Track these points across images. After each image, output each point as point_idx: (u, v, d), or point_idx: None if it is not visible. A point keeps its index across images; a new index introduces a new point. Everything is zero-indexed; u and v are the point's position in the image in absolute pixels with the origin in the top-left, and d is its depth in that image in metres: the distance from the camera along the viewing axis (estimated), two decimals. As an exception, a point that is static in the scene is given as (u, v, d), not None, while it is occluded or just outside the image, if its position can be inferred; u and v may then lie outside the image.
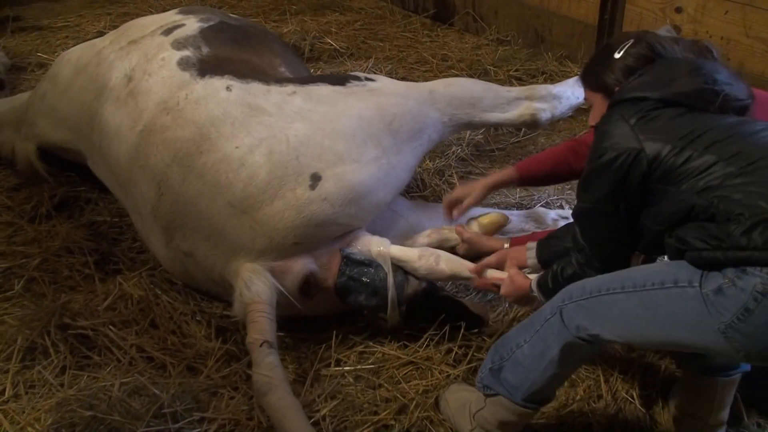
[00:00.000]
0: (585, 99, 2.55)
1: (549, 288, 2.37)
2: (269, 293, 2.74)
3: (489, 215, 3.17)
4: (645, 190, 2.08)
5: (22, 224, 3.64)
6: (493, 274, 2.77)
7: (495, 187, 3.04)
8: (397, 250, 2.91)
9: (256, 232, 2.78)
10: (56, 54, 5.27)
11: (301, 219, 2.76)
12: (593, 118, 2.41)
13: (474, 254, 3.02)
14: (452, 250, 3.11)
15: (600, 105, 2.37)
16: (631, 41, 2.33)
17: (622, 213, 2.13)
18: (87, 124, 3.45)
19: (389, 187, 3.00)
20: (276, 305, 2.75)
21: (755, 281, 1.84)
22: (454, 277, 2.90)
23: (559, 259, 2.38)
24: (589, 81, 2.45)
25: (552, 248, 2.58)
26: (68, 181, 3.94)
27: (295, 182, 2.77)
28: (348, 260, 2.88)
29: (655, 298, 2.01)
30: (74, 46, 4.06)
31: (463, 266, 2.87)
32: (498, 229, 3.18)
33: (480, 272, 2.80)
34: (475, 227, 3.15)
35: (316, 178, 2.79)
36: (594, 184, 2.15)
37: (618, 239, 2.20)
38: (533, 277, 2.51)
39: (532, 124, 3.53)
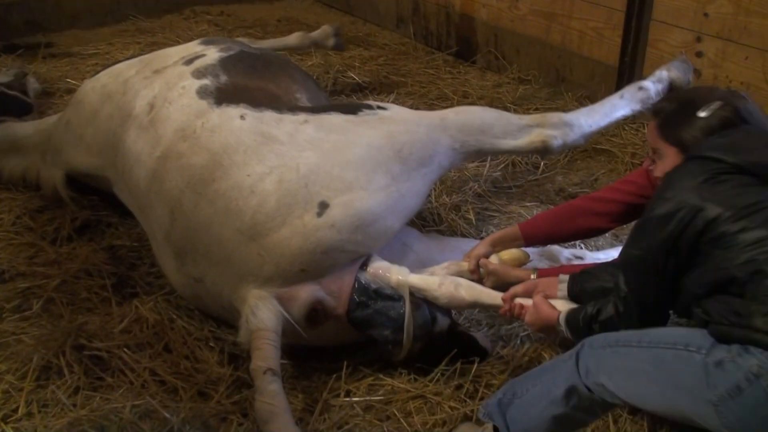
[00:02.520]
0: (651, 150, 2.55)
1: (579, 327, 2.35)
2: (275, 320, 2.76)
3: (510, 251, 3.17)
4: (695, 250, 2.07)
5: (43, 246, 3.70)
6: (520, 302, 2.75)
7: (497, 243, 3.07)
8: (418, 279, 2.91)
9: (264, 259, 2.80)
10: (84, 81, 5.37)
11: (307, 245, 2.78)
12: (661, 170, 2.41)
13: (500, 285, 3.00)
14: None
15: (672, 159, 2.37)
16: (719, 103, 2.31)
17: (671, 268, 2.12)
18: (112, 150, 3.53)
19: (398, 214, 3.01)
20: (282, 333, 2.77)
21: (753, 362, 1.84)
22: (474, 305, 2.90)
23: (596, 301, 2.34)
24: (666, 133, 2.42)
25: (585, 284, 2.56)
26: (90, 204, 4.01)
27: (303, 209, 2.80)
28: (363, 288, 2.88)
29: (664, 357, 2.01)
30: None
31: (484, 293, 2.87)
32: (518, 265, 3.19)
33: (508, 301, 2.78)
34: (494, 261, 3.16)
35: (323, 206, 2.81)
36: (649, 233, 2.14)
37: (661, 295, 2.18)
38: (563, 309, 2.49)
39: (543, 150, 3.47)
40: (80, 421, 2.60)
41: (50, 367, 2.91)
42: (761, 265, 1.92)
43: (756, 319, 1.86)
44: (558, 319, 2.47)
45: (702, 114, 2.31)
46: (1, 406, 2.77)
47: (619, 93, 3.66)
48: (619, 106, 3.60)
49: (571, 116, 3.55)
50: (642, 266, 2.18)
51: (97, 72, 4.07)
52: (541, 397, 2.23)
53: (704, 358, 1.92)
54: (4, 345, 3.05)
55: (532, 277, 2.89)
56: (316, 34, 5.35)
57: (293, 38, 5.37)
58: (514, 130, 3.40)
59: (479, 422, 2.53)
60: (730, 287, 1.98)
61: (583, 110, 3.66)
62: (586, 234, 3.07)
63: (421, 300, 2.89)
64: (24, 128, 4.34)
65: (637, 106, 3.57)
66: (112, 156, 3.54)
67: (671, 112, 2.46)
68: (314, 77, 5.14)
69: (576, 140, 3.53)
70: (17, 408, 2.76)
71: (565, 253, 3.51)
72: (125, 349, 3.01)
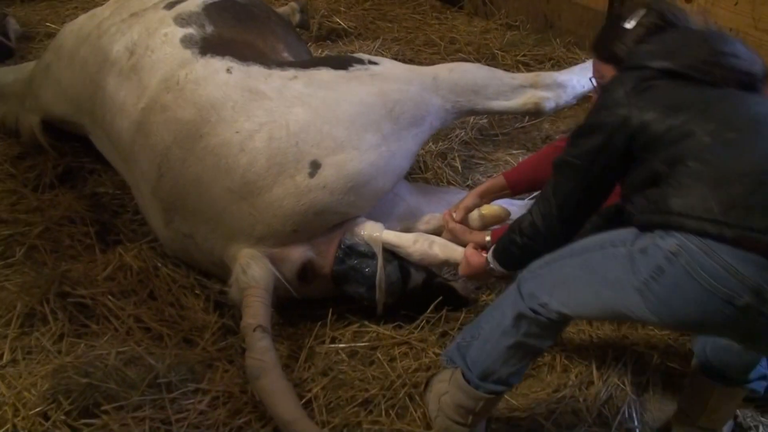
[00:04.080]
0: (594, 76, 2.53)
1: (504, 250, 2.43)
2: (266, 278, 2.75)
3: (491, 207, 3.16)
4: (627, 156, 2.12)
5: (25, 193, 3.66)
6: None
7: (484, 195, 3.07)
8: (392, 236, 2.91)
9: (255, 219, 2.79)
10: (64, 24, 5.26)
11: (300, 207, 2.77)
12: None
13: (457, 244, 3.00)
14: None
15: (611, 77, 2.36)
16: (643, 11, 2.32)
17: (597, 171, 2.17)
18: (89, 98, 3.45)
19: (389, 175, 2.99)
20: (272, 289, 2.76)
21: (671, 242, 1.87)
22: (447, 263, 2.92)
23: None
24: (600, 52, 2.44)
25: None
26: (72, 151, 3.94)
27: (295, 169, 2.77)
28: (347, 249, 2.88)
29: (593, 258, 2.06)
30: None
31: (457, 251, 2.87)
32: (497, 221, 3.16)
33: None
34: (475, 216, 3.14)
35: (315, 166, 2.78)
36: (581, 141, 2.19)
37: (584, 197, 2.23)
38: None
39: (536, 112, 3.51)
40: (65, 368, 2.60)
41: (34, 314, 2.90)
42: (681, 156, 1.96)
43: (671, 202, 1.90)
44: (487, 258, 2.53)
45: (628, 25, 2.33)
46: (-15, 353, 2.77)
47: None
48: None
49: (563, 76, 3.56)
50: (570, 170, 2.22)
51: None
52: (492, 331, 2.25)
53: (629, 248, 1.97)
54: (-13, 293, 3.04)
55: (487, 239, 2.87)
56: (282, 9, 5.25)
57: None
58: (507, 90, 3.40)
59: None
60: (656, 182, 2.01)
61: (575, 69, 3.67)
62: None
63: (393, 256, 2.90)
64: (3, 74, 4.25)
65: None
66: (89, 103, 3.46)
67: (601, 31, 2.49)
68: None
69: (568, 101, 3.57)
70: (2, 355, 2.75)
71: None
72: (109, 296, 2.99)
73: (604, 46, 2.41)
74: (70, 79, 3.60)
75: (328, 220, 2.87)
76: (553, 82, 3.50)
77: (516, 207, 3.39)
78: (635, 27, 2.31)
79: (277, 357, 2.57)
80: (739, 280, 1.80)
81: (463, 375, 2.32)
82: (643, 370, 2.78)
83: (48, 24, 5.57)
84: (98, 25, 3.57)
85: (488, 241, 2.81)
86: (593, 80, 2.55)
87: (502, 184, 3.06)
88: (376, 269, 2.85)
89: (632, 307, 1.96)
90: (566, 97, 3.53)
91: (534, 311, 2.14)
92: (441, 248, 2.89)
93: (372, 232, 2.91)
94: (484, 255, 2.60)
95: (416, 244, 2.89)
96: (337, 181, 2.79)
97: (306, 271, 2.86)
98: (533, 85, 3.46)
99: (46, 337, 2.80)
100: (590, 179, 2.20)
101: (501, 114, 3.90)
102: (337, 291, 2.97)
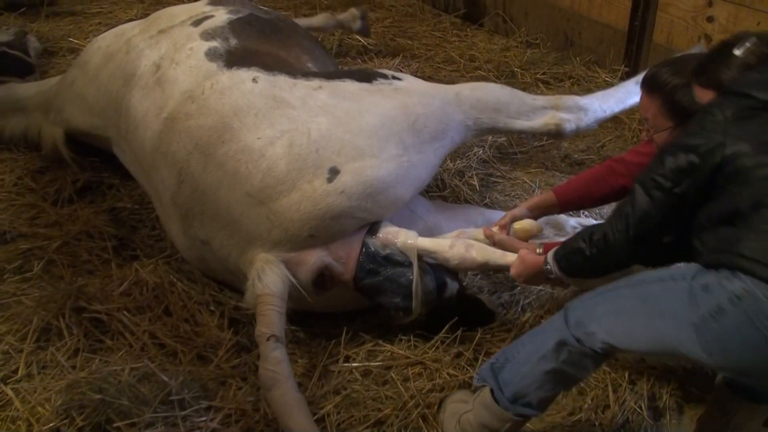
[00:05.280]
0: (648, 109, 2.56)
1: (568, 255, 2.37)
2: (281, 285, 2.74)
3: (522, 222, 3.15)
4: (711, 183, 2.07)
5: (44, 207, 3.70)
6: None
7: (534, 209, 3.07)
8: (428, 242, 2.89)
9: (272, 223, 2.79)
10: (88, 40, 5.33)
11: (317, 211, 2.77)
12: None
13: None
14: None
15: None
16: (755, 39, 2.27)
17: (680, 193, 2.11)
18: (114, 111, 3.50)
19: (408, 184, 2.99)
20: (288, 298, 2.75)
21: (738, 285, 1.84)
22: (486, 266, 2.88)
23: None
24: (702, 78, 2.37)
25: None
26: (92, 166, 3.99)
27: (313, 175, 2.78)
28: (372, 255, 2.86)
29: (649, 291, 2.04)
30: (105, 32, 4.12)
31: (495, 254, 2.85)
32: (529, 236, 3.16)
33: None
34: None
35: (334, 172, 2.79)
36: (668, 159, 2.14)
37: (662, 220, 2.17)
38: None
39: (556, 134, 3.50)
40: (79, 383, 2.60)
41: (50, 328, 2.92)
42: (765, 198, 1.92)
43: (744, 245, 1.87)
44: (546, 258, 2.48)
45: (738, 52, 2.26)
46: (0, 367, 2.78)
47: (635, 79, 3.67)
48: (634, 92, 3.59)
49: (585, 100, 3.56)
50: (652, 187, 2.16)
51: (103, 32, 4.03)
52: (531, 355, 2.24)
53: (690, 282, 1.94)
54: (4, 306, 3.06)
55: (538, 251, 2.84)
56: (342, 16, 5.31)
57: (319, 19, 5.30)
58: (529, 110, 3.41)
59: (476, 390, 2.53)
60: (734, 220, 1.97)
61: (598, 94, 3.68)
62: (617, 195, 3.07)
63: (429, 266, 2.88)
64: (26, 88, 4.32)
65: None
66: (114, 116, 3.51)
67: (705, 57, 2.41)
68: (319, 39, 5.08)
69: (589, 125, 3.57)
70: (17, 369, 2.77)
71: (572, 222, 3.49)
72: (125, 312, 3.00)
73: (709, 72, 2.34)
74: (96, 94, 3.67)
75: (345, 226, 2.86)
76: (574, 105, 3.50)
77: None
78: (745, 55, 2.25)
79: (290, 368, 2.56)
80: None
81: (493, 395, 2.31)
82: (660, 395, 2.74)
83: (71, 39, 5.66)
84: (127, 41, 3.63)
85: (539, 253, 2.79)
86: (645, 120, 2.57)
87: (552, 200, 3.06)
88: (412, 278, 2.83)
89: (684, 341, 1.93)
90: (587, 120, 3.53)
91: (578, 340, 2.12)
92: (479, 251, 2.86)
93: (406, 239, 2.89)
94: (541, 256, 2.54)
95: (453, 248, 2.87)
96: (355, 187, 2.79)
97: (323, 277, 2.84)
98: (555, 107, 3.46)
99: (61, 352, 2.82)
100: (672, 201, 2.13)
101: (521, 133, 3.89)
102: (357, 302, 2.95)
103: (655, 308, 2.00)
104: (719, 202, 2.05)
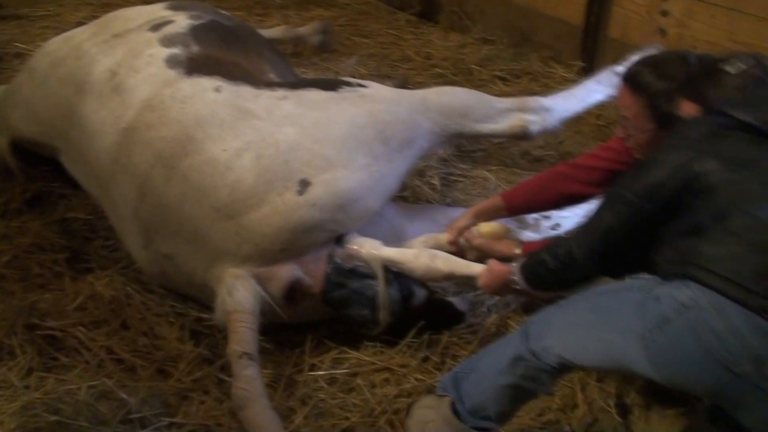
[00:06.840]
0: (628, 108, 2.52)
1: (533, 267, 2.35)
2: (253, 301, 2.69)
3: (489, 224, 3.13)
4: (678, 201, 2.06)
5: (-8, 219, 3.57)
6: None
7: (480, 215, 3.07)
8: (392, 252, 2.86)
9: (242, 238, 2.72)
10: (35, 44, 5.17)
11: (288, 225, 2.71)
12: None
13: (484, 260, 2.94)
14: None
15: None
16: (752, 61, 2.26)
17: (649, 210, 2.09)
18: (65, 119, 3.37)
19: (378, 194, 2.96)
20: (259, 313, 2.70)
21: (686, 293, 1.84)
22: (451, 276, 2.85)
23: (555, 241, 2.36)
24: (689, 91, 2.36)
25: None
26: (42, 176, 3.85)
27: (284, 187, 2.72)
28: (338, 268, 2.82)
29: (605, 303, 2.04)
30: (53, 36, 3.98)
31: (460, 264, 2.83)
32: (497, 239, 3.14)
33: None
34: (475, 235, 3.10)
35: (304, 184, 2.73)
36: (642, 174, 2.13)
37: (628, 236, 2.15)
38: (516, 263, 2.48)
39: (522, 135, 3.52)
40: (33, 404, 2.51)
41: (1, 347, 2.82)
42: (730, 212, 1.92)
43: (700, 256, 1.87)
44: (512, 269, 2.45)
45: (730, 69, 2.26)
46: (-50, 389, 2.67)
47: (595, 78, 3.74)
48: (595, 90, 3.69)
49: (549, 101, 3.59)
50: (621, 203, 2.15)
51: (51, 36, 3.90)
52: (490, 368, 2.23)
53: (644, 294, 1.93)
54: (-48, 325, 2.94)
55: (516, 251, 2.85)
56: (303, 29, 5.24)
57: (279, 30, 5.22)
58: (495, 114, 3.42)
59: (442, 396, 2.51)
60: (695, 233, 1.98)
61: (561, 94, 3.71)
62: (568, 201, 3.07)
63: (395, 275, 2.84)
64: (-30, 97, 4.16)
65: (612, 91, 3.58)
66: (64, 125, 3.38)
67: (697, 73, 2.39)
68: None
69: (554, 125, 3.60)
70: (-33, 392, 2.66)
71: (533, 214, 3.48)
72: (80, 327, 2.92)
73: (696, 85, 2.34)
74: (44, 101, 3.53)
75: (316, 239, 2.81)
76: (539, 106, 3.52)
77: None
78: (741, 75, 2.25)
79: (263, 386, 2.51)
80: (744, 347, 1.77)
81: (454, 406, 2.29)
82: (628, 392, 2.73)
83: (17, 44, 5.47)
84: (76, 46, 3.50)
85: (518, 254, 2.78)
86: (623, 117, 2.54)
87: (499, 205, 3.06)
88: (378, 289, 2.79)
89: (633, 355, 1.91)
90: (552, 121, 3.55)
91: (535, 354, 2.10)
92: (444, 262, 2.84)
93: (370, 249, 2.85)
94: (509, 266, 2.52)
95: (418, 259, 2.84)
96: (326, 198, 2.75)
97: (294, 291, 2.79)
98: (520, 109, 3.48)
99: (13, 372, 2.71)
100: (641, 217, 2.11)
101: (488, 137, 3.90)
102: (325, 313, 2.91)
103: (607, 321, 1.99)
104: (683, 219, 2.04)
